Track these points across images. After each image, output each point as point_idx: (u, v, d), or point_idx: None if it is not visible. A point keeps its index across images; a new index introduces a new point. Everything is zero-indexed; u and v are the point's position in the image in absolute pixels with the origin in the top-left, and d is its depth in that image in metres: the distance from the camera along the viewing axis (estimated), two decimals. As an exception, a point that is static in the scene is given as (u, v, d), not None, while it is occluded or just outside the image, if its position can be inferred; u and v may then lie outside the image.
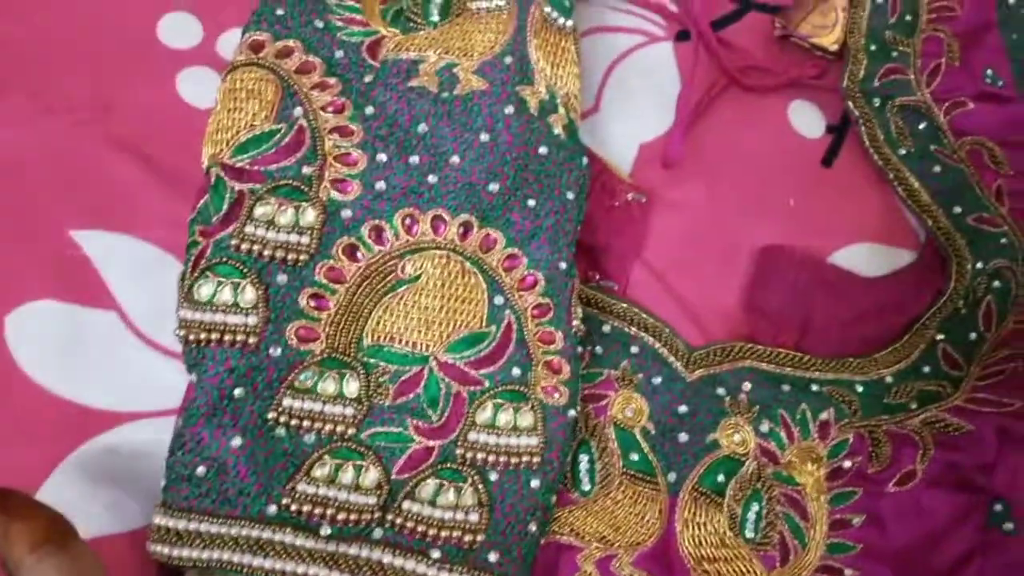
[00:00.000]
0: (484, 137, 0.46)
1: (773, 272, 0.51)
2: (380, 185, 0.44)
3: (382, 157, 0.45)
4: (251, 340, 0.41)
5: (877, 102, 0.56)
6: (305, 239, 0.42)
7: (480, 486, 0.41)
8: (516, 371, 0.42)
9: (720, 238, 0.53)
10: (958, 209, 0.53)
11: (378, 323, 0.42)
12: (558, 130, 0.48)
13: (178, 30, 0.53)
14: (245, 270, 0.41)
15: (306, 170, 0.44)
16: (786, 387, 0.47)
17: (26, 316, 0.45)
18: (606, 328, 0.48)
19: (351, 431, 0.40)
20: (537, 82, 0.48)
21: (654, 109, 0.56)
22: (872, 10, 0.59)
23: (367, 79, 0.47)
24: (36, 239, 0.47)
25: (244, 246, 0.42)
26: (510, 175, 0.45)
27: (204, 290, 0.41)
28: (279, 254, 0.42)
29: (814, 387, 0.48)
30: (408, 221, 0.44)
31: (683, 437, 0.45)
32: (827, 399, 0.47)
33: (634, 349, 0.47)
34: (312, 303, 0.42)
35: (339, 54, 0.47)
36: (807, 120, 0.57)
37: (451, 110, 0.46)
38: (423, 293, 0.43)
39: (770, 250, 0.52)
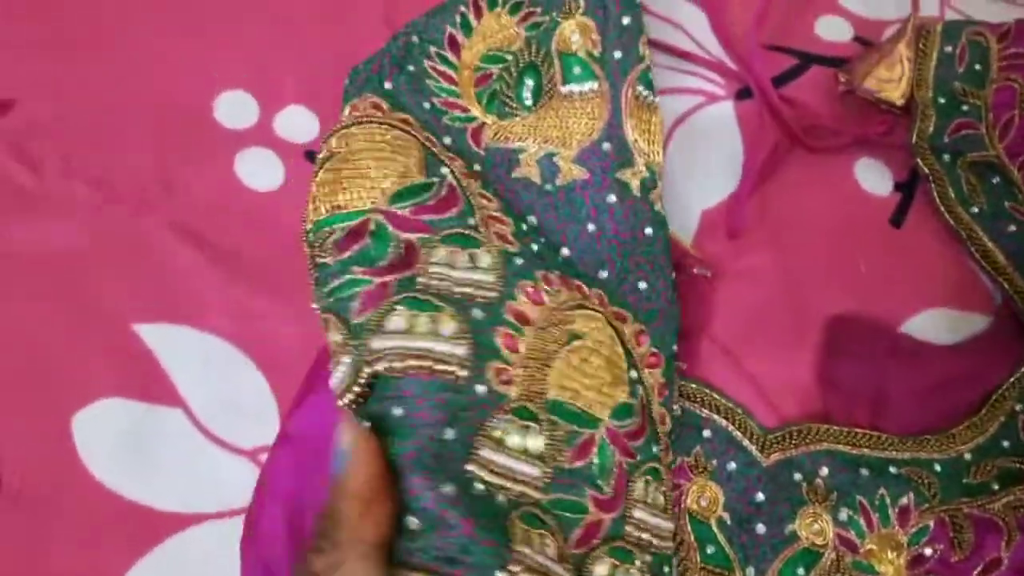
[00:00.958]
0: (591, 228, 0.47)
1: (845, 344, 0.50)
2: (533, 246, 0.45)
3: (522, 226, 0.46)
4: (462, 373, 0.37)
5: (947, 158, 0.55)
6: (490, 277, 0.41)
7: (645, 570, 0.39)
8: (654, 448, 0.42)
9: (789, 308, 0.51)
10: (1035, 271, 0.52)
11: (560, 376, 0.40)
12: (659, 206, 0.48)
13: (234, 109, 0.53)
14: (439, 303, 0.38)
15: (470, 221, 0.43)
16: (864, 471, 0.46)
17: (92, 416, 0.46)
18: (675, 410, 0.47)
19: (537, 495, 0.37)
20: (637, 162, 0.48)
21: (716, 173, 0.55)
22: (939, 60, 0.57)
23: (476, 167, 0.47)
24: (99, 334, 0.47)
25: (433, 283, 0.39)
26: (617, 262, 0.46)
27: (396, 321, 0.38)
28: (468, 291, 0.40)
29: (892, 469, 0.46)
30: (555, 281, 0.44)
31: (761, 528, 0.44)
32: (906, 482, 0.46)
33: (707, 433, 0.46)
34: (507, 343, 0.39)
35: (447, 140, 0.48)
36: (875, 178, 0.56)
37: (556, 202, 0.47)
38: (593, 353, 0.42)
39: (841, 320, 0.51)
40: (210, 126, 0.53)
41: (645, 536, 0.40)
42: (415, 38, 0.51)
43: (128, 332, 0.47)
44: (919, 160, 0.55)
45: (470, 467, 0.36)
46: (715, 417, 0.47)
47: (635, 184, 0.48)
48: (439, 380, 0.37)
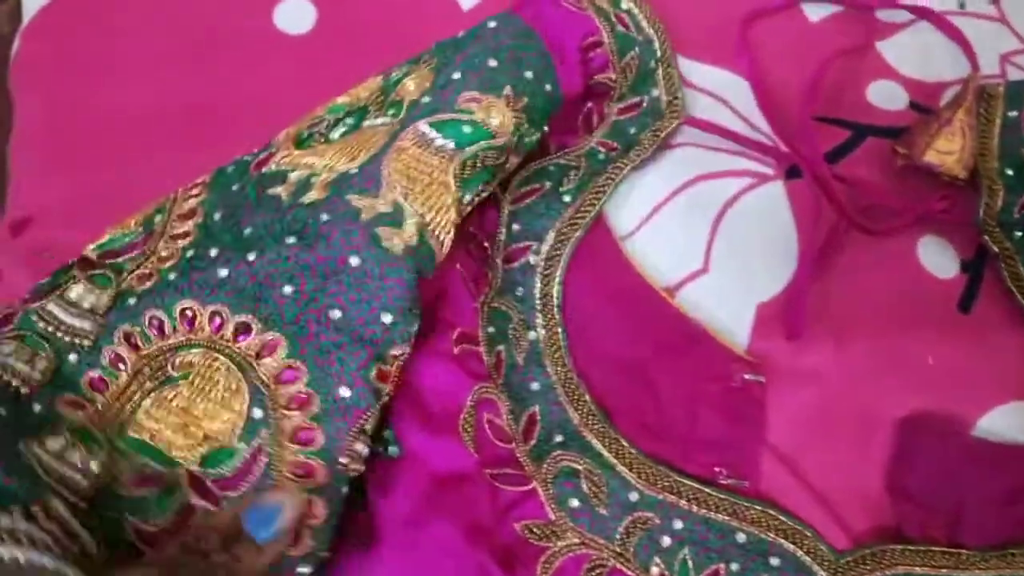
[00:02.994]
0: (290, 239, 0.42)
1: (916, 450, 0.47)
2: (172, 276, 0.43)
3: (213, 252, 0.44)
4: (24, 391, 0.40)
5: (1019, 235, 0.51)
6: (88, 324, 0.42)
7: None
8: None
9: (854, 410, 0.48)
10: (1121, 358, 0.48)
11: (144, 414, 0.40)
12: (391, 245, 0.42)
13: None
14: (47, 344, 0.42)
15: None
16: (946, 597, 0.43)
17: None
18: (740, 537, 0.44)
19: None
20: (382, 195, 0.43)
21: (769, 262, 0.52)
22: (1004, 126, 0.53)
23: (235, 187, 0.46)
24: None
25: (41, 324, 0.42)
26: (309, 281, 0.41)
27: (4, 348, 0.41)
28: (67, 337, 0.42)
29: (977, 592, 0.43)
30: (188, 314, 0.42)
31: (837, 667, 0.41)
32: (992, 607, 0.42)
33: (774, 561, 0.44)
34: (91, 385, 0.41)
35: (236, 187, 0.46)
36: (939, 258, 0.52)
37: (283, 217, 0.43)
38: (189, 390, 0.41)
39: (910, 422, 0.48)
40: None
41: None
42: None
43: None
44: (987, 238, 0.51)
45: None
46: (782, 542, 0.44)
47: (367, 214, 0.42)
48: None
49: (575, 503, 0.44)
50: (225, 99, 0.55)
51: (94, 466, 0.39)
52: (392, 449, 0.43)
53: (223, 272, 0.42)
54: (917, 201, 0.53)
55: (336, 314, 0.41)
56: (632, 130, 0.54)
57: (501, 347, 0.48)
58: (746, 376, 0.48)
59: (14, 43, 0.57)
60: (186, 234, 0.45)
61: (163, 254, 0.45)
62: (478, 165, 0.45)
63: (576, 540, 0.43)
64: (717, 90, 0.56)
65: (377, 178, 0.44)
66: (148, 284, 0.43)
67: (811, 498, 0.46)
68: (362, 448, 0.41)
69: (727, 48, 0.57)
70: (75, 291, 0.43)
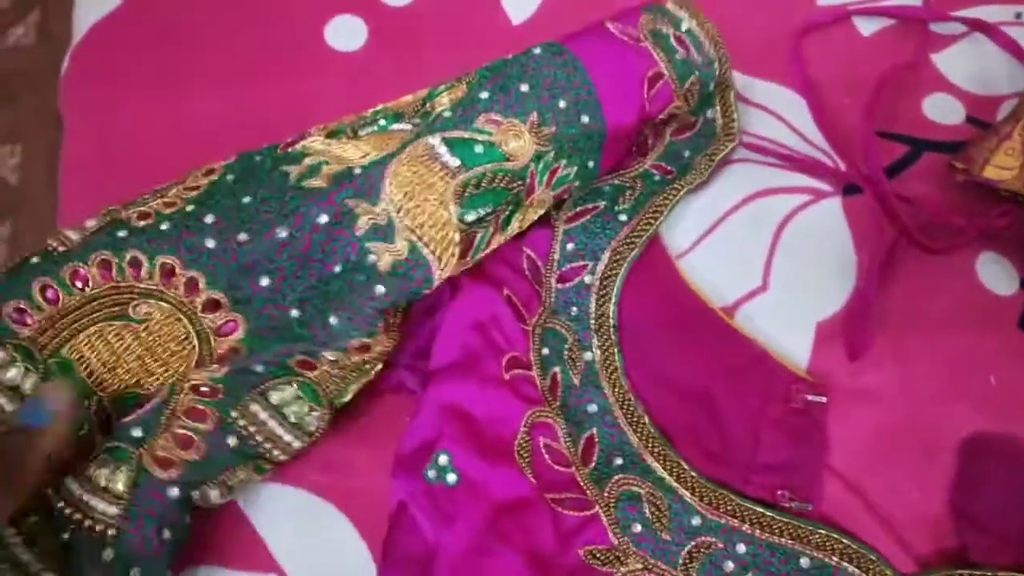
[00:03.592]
0: (282, 233, 0.43)
1: (980, 472, 0.46)
2: (165, 226, 0.44)
3: (208, 218, 0.44)
4: None
5: (1079, 252, 0.50)
6: (76, 236, 0.44)
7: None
8: (136, 432, 0.41)
9: (916, 430, 0.48)
10: None
11: (84, 341, 0.42)
12: (377, 260, 0.43)
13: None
14: None
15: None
16: (1015, 623, 0.42)
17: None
18: (804, 562, 0.43)
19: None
20: (378, 206, 0.43)
21: (828, 278, 0.51)
22: (1063, 141, 0.52)
23: (257, 158, 0.46)
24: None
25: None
26: (287, 278, 0.43)
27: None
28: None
29: (1048, 619, 0.42)
30: (167, 269, 0.43)
31: None
32: (1065, 633, 0.42)
33: (839, 586, 0.43)
34: (48, 295, 0.43)
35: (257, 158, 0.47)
36: (998, 275, 0.52)
37: (282, 196, 0.44)
38: (136, 341, 0.43)
39: (974, 443, 0.47)
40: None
41: (69, 511, 0.40)
42: None
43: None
44: (1047, 254, 0.50)
45: None
46: (846, 566, 0.44)
47: (363, 221, 0.43)
48: None
49: (638, 528, 0.44)
50: (276, 115, 0.55)
51: (27, 384, 0.41)
52: (450, 477, 0.42)
53: (211, 243, 0.44)
54: (976, 217, 0.52)
55: (294, 313, 0.43)
56: (686, 153, 0.53)
57: (557, 368, 0.47)
58: (808, 397, 0.47)
59: (63, 64, 0.58)
60: (197, 187, 0.46)
61: (168, 199, 0.45)
62: (483, 186, 0.45)
63: (639, 565, 0.43)
64: (772, 105, 0.56)
65: (378, 186, 0.43)
66: (142, 224, 0.44)
67: (875, 521, 0.46)
68: (259, 411, 0.42)
69: (780, 63, 0.57)
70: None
